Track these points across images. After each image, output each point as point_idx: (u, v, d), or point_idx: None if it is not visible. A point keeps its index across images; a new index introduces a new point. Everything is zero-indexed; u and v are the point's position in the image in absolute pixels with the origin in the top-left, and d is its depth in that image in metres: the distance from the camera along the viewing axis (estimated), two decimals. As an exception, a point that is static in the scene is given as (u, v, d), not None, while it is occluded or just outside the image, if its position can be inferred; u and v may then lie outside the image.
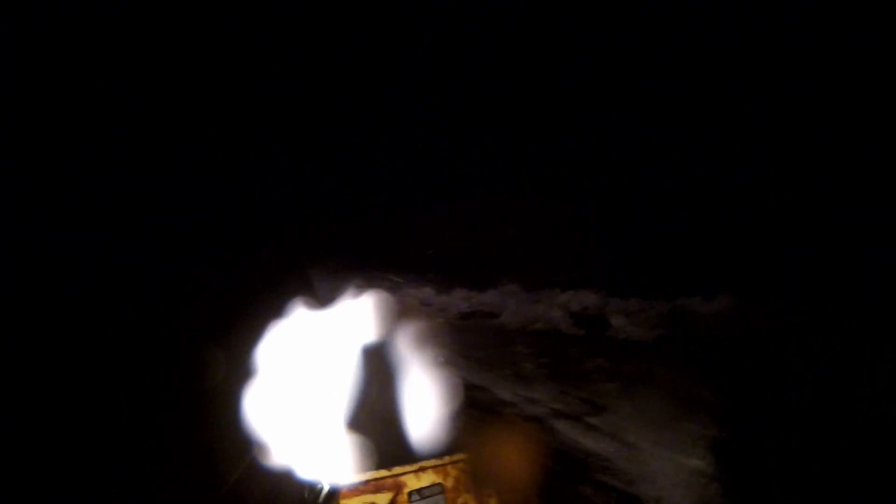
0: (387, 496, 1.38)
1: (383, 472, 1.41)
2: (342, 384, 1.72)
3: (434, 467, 1.46)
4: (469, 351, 5.37)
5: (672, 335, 5.44)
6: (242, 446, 1.56)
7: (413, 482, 1.42)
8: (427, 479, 1.44)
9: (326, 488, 1.41)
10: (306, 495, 1.35)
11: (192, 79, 2.32)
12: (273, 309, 1.79)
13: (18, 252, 1.40)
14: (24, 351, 1.33)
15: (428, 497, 1.42)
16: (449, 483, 1.46)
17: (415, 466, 1.45)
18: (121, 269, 1.63)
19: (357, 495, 1.37)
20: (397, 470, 1.42)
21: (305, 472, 1.49)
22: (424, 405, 1.69)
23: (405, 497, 1.40)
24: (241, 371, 1.62)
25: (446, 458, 1.47)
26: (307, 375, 1.68)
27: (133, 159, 1.82)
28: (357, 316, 1.90)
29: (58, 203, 1.54)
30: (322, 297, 2.01)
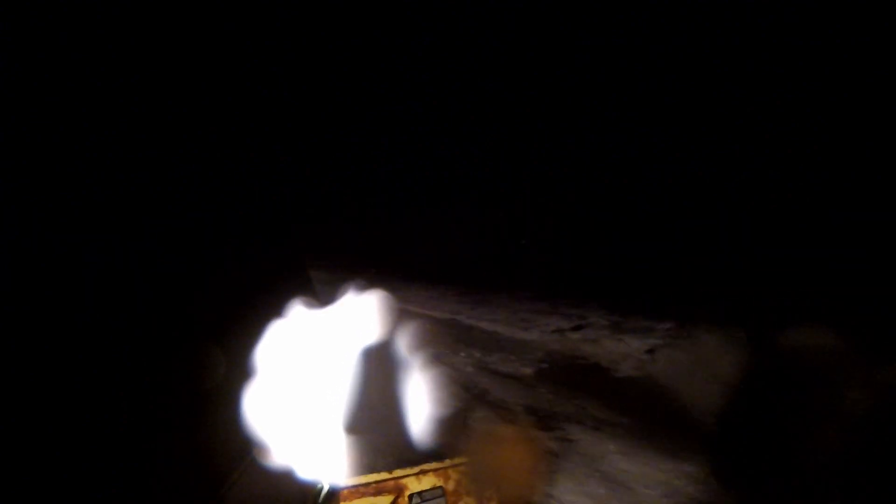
0: (387, 499, 1.38)
1: (384, 475, 1.40)
2: (342, 384, 1.72)
3: (435, 470, 1.45)
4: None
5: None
6: (242, 446, 1.56)
7: (414, 485, 1.42)
8: (428, 482, 1.43)
9: (326, 488, 1.41)
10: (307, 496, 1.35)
11: (192, 79, 2.32)
12: (273, 309, 1.79)
13: (18, 252, 1.40)
14: (24, 351, 1.32)
15: (429, 500, 1.41)
16: (450, 486, 1.45)
17: (416, 469, 1.44)
18: (121, 269, 1.63)
19: (358, 497, 1.37)
20: (398, 472, 1.42)
21: (305, 472, 1.49)
22: (425, 407, 1.69)
23: (406, 500, 1.40)
24: (240, 371, 1.62)
25: (447, 461, 1.46)
26: (307, 375, 1.68)
27: (133, 159, 1.82)
28: (357, 316, 1.90)
29: (58, 203, 1.54)
30: (322, 297, 2.01)
